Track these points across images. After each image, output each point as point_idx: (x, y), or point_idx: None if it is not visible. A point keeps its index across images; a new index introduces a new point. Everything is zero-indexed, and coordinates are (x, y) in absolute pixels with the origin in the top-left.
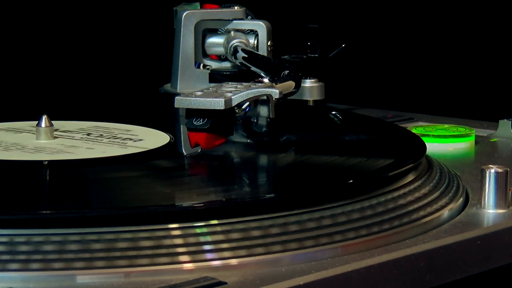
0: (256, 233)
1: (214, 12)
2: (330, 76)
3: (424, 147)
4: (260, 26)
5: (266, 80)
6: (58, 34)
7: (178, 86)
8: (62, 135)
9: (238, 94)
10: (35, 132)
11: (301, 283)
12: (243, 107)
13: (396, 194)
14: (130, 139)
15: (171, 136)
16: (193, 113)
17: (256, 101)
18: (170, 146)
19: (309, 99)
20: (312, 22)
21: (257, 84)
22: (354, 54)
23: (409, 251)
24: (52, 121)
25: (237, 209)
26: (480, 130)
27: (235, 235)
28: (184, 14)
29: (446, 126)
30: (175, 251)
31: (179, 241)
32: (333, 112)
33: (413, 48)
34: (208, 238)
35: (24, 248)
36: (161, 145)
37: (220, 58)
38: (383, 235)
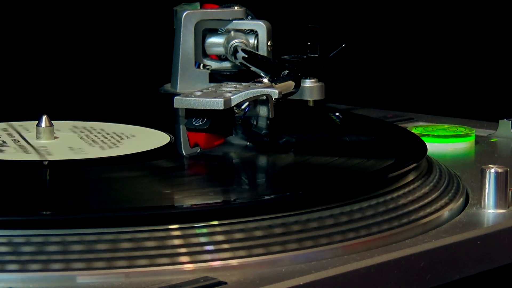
0: (256, 233)
1: (214, 12)
2: (330, 76)
3: (424, 147)
4: (260, 26)
5: (265, 80)
6: (58, 34)
7: (178, 86)
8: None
9: (237, 94)
10: (35, 132)
11: (301, 283)
12: (243, 107)
13: (395, 194)
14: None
15: (171, 136)
16: (192, 113)
17: (255, 101)
18: (170, 146)
19: (309, 99)
20: (312, 22)
21: (256, 84)
22: (354, 54)
23: (409, 251)
24: (52, 121)
25: (237, 209)
26: (480, 130)
27: (235, 236)
28: (184, 14)
29: (446, 126)
30: (175, 252)
31: (179, 241)
32: (333, 112)
33: (413, 48)
34: (208, 239)
35: (24, 248)
36: (161, 145)
37: (220, 58)
38: (383, 235)
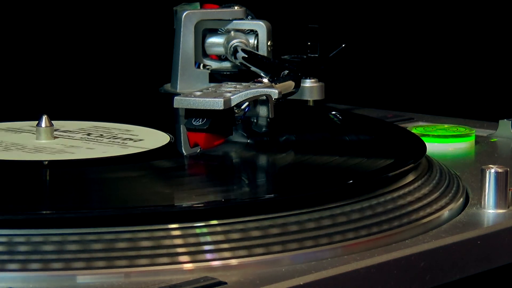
0: (256, 233)
1: (214, 12)
2: (330, 76)
3: (424, 147)
4: (260, 26)
5: (265, 80)
6: (58, 34)
7: (178, 86)
8: (62, 135)
9: (237, 94)
10: (35, 132)
11: (301, 283)
12: (243, 107)
13: (396, 194)
14: (130, 139)
15: (171, 136)
16: (192, 113)
17: (255, 101)
18: (170, 146)
19: (309, 99)
20: (312, 22)
21: (256, 84)
22: (354, 54)
23: (409, 251)
24: (52, 121)
25: (237, 209)
26: (480, 130)
27: (235, 235)
28: (184, 14)
29: (446, 126)
30: (175, 251)
31: (179, 241)
32: (333, 112)
33: (413, 48)
34: (208, 238)
35: (24, 248)
36: (161, 145)
37: (220, 58)
38: (383, 235)
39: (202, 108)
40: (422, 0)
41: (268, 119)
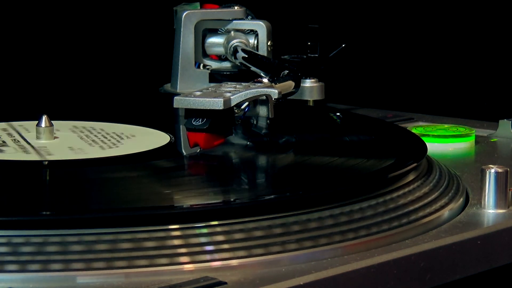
0: (256, 233)
1: (214, 12)
2: (330, 76)
3: (425, 147)
4: (260, 26)
5: (265, 80)
6: (58, 34)
7: (178, 86)
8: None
9: (237, 94)
10: (35, 132)
11: (301, 283)
12: (242, 107)
13: (395, 194)
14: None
15: (171, 136)
16: (192, 113)
17: (255, 101)
18: (170, 146)
19: (309, 99)
20: (312, 22)
21: (256, 84)
22: (354, 54)
23: (409, 251)
24: (52, 121)
25: (237, 209)
26: (480, 130)
27: (235, 236)
28: (184, 14)
29: (446, 126)
30: (175, 252)
31: (179, 241)
32: (333, 113)
33: (413, 48)
34: (208, 239)
35: (24, 248)
36: (161, 145)
37: (220, 58)
38: (383, 235)
39: (202, 108)
40: (422, 0)
41: (268, 119)
